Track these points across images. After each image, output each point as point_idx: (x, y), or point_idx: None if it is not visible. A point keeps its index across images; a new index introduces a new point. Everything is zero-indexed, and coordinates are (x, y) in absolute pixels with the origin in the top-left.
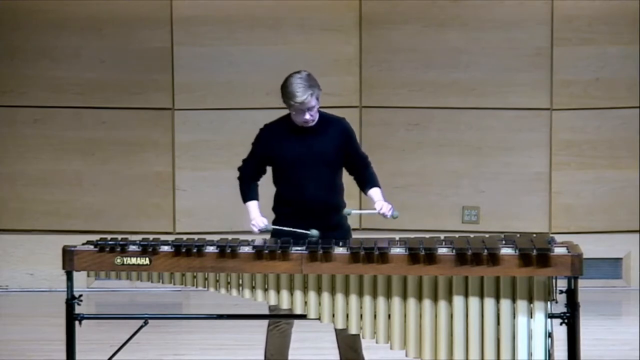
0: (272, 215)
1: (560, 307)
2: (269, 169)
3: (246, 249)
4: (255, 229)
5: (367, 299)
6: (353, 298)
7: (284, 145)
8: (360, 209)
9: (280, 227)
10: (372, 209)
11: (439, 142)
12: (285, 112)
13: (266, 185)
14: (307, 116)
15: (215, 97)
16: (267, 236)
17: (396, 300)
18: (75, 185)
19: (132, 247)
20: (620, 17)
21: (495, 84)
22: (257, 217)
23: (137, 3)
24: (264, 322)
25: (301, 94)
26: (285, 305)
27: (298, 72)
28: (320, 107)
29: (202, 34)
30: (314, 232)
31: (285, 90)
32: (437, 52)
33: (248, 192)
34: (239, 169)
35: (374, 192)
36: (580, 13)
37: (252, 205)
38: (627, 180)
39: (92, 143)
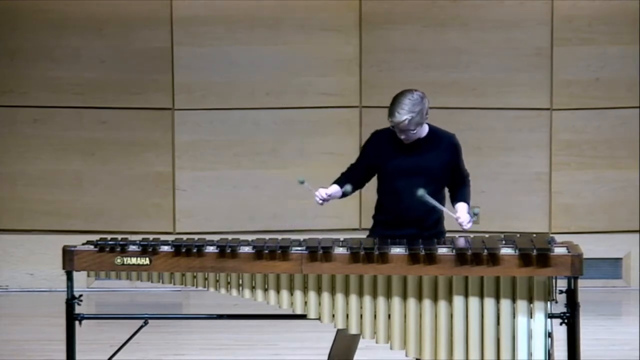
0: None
1: (560, 307)
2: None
3: (246, 249)
4: (318, 200)
5: (367, 299)
6: (353, 298)
7: (390, 156)
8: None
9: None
10: (452, 212)
11: None
12: None
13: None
14: (402, 136)
15: (215, 97)
16: (266, 236)
17: (396, 300)
18: (75, 185)
19: (132, 247)
20: (620, 17)
21: (495, 84)
22: (327, 189)
23: (137, 3)
24: (264, 322)
25: (399, 115)
26: (285, 305)
27: (412, 91)
28: (318, 107)
29: (202, 34)
30: (348, 187)
31: (391, 104)
32: (437, 52)
33: (338, 180)
34: (344, 171)
35: (460, 205)
36: (580, 13)
37: (334, 186)
38: (627, 180)
39: (92, 143)
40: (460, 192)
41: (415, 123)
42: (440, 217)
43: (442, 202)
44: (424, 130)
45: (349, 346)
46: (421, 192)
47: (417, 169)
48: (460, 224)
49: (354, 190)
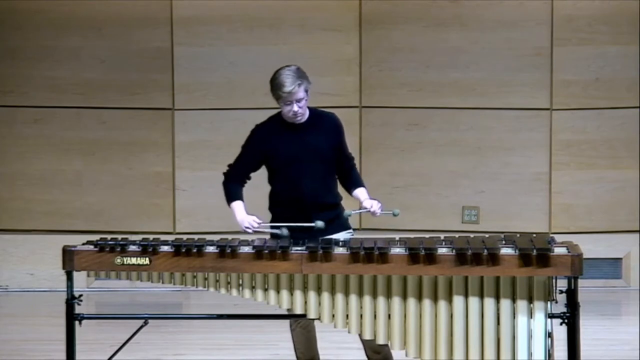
0: (269, 216)
1: (560, 307)
2: (255, 174)
3: (246, 249)
4: (250, 230)
5: (367, 299)
6: (353, 298)
7: (278, 143)
8: (356, 209)
9: (281, 225)
10: (362, 208)
11: (438, 142)
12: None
13: (263, 186)
14: (295, 108)
15: (215, 97)
16: (267, 236)
17: (396, 300)
18: (75, 185)
19: (132, 247)
20: (620, 17)
21: (495, 84)
22: (245, 217)
23: (137, 3)
24: (264, 322)
25: (289, 84)
26: (285, 305)
27: (288, 65)
28: (321, 107)
29: (202, 34)
30: (319, 223)
31: (274, 82)
32: (437, 52)
33: (232, 193)
34: (225, 173)
35: (360, 192)
36: (580, 13)
37: (238, 205)
38: (627, 180)
39: (92, 143)
40: (353, 177)
41: (304, 89)
42: (339, 197)
43: (336, 186)
44: (307, 112)
45: (308, 341)
46: (347, 212)
47: (306, 152)
48: (373, 214)
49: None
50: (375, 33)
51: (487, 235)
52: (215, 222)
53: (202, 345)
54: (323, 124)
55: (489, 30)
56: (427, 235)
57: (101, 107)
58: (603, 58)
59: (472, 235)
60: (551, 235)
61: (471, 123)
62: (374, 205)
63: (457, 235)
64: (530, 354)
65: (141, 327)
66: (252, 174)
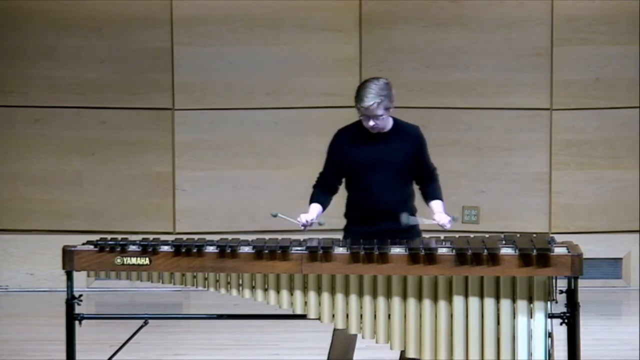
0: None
1: (560, 307)
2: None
3: (246, 249)
4: (301, 226)
5: (367, 299)
6: (353, 298)
7: (355, 150)
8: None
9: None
10: (430, 218)
11: (438, 142)
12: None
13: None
14: (371, 122)
15: (215, 97)
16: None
17: (396, 300)
18: (75, 185)
19: (132, 247)
20: (620, 17)
21: (495, 84)
22: (308, 214)
23: (137, 3)
24: (264, 322)
25: (368, 99)
26: (285, 305)
27: (377, 78)
28: (318, 107)
29: (202, 34)
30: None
31: (357, 92)
32: (437, 52)
33: (312, 196)
34: (315, 183)
35: (435, 204)
36: (580, 13)
37: (312, 206)
38: (627, 180)
39: (92, 143)
40: (431, 189)
41: (384, 107)
42: (414, 209)
43: (411, 197)
44: (389, 122)
45: (347, 347)
46: (405, 219)
47: (382, 162)
48: (442, 226)
49: (331, 197)
50: (375, 33)
51: (487, 235)
52: (215, 222)
53: (202, 345)
54: (402, 135)
55: (489, 30)
56: (427, 235)
57: (101, 107)
58: (603, 58)
59: (472, 235)
60: (551, 235)
61: (471, 123)
62: (443, 219)
63: (457, 235)
64: (530, 354)
65: (141, 327)
66: (341, 180)
